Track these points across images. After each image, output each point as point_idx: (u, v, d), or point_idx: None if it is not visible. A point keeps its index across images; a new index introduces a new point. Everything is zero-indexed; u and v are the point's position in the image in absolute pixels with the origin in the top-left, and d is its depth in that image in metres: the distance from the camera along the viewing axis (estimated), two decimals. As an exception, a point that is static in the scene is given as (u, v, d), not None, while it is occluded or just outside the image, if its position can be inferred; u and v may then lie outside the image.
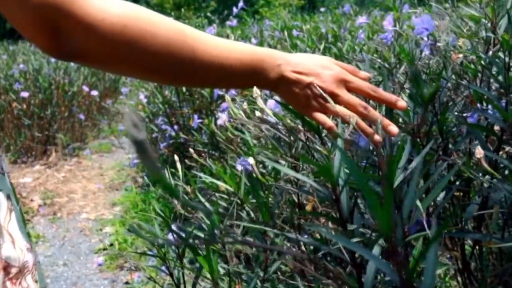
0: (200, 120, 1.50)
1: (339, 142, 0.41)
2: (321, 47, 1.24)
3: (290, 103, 0.59)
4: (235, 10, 2.33)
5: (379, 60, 1.04)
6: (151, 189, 2.71)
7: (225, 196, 1.07)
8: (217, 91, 1.44)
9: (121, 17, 0.46)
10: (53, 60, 4.39)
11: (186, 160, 1.81)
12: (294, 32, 2.16)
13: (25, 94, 3.63)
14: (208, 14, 2.53)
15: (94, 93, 4.40)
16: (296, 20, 3.10)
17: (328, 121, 0.55)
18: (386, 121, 0.55)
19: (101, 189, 3.05)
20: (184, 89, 1.75)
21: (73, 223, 2.51)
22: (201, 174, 1.00)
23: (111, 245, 2.14)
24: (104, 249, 2.16)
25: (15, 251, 0.45)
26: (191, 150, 0.98)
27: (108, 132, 4.57)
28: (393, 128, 0.55)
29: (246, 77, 0.55)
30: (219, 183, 0.89)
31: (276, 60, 0.56)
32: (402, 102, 0.58)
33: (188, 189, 1.19)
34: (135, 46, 0.47)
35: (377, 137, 0.53)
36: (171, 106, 1.82)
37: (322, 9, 4.31)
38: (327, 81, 0.55)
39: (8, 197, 0.47)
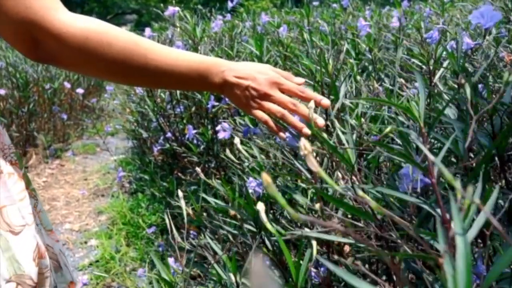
0: (195, 131, 1.34)
1: (458, 228, 0.25)
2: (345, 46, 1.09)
3: (233, 102, 0.70)
4: (230, 4, 2.14)
5: (415, 61, 0.90)
6: (139, 196, 2.53)
7: (235, 222, 0.91)
8: (212, 102, 1.27)
9: (84, 30, 0.58)
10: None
11: (180, 174, 1.64)
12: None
13: (1, 92, 3.39)
14: (200, 7, 2.34)
15: (80, 91, 4.16)
16: (291, 14, 2.93)
17: (265, 116, 0.67)
18: (314, 115, 0.65)
19: (85, 195, 2.86)
20: (178, 93, 1.57)
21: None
22: (211, 199, 0.84)
23: (97, 261, 1.97)
24: (90, 265, 1.99)
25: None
26: (197, 169, 0.83)
27: (92, 132, 4.34)
28: (320, 121, 0.65)
29: (195, 81, 0.66)
30: (233, 210, 0.73)
31: (220, 67, 0.66)
32: (325, 100, 0.68)
33: (189, 211, 1.03)
34: (95, 53, 0.59)
35: (306, 130, 0.65)
36: (164, 110, 1.64)
37: (316, 3, 4.15)
38: (262, 84, 0.66)
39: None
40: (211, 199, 0.81)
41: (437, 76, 0.93)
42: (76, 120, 4.35)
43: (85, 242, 2.20)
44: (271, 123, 0.67)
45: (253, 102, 0.66)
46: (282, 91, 0.67)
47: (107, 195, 2.83)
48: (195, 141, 1.54)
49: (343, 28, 2.20)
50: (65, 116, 4.00)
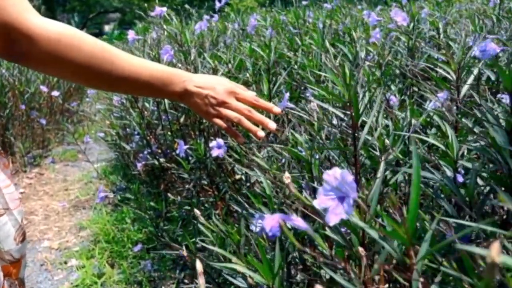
0: (186, 146, 1.19)
1: None
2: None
3: (194, 110, 0.76)
4: (217, 4, 2.00)
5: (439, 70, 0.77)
6: (124, 209, 2.37)
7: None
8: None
9: (55, 33, 0.63)
10: (5, 61, 3.91)
11: (169, 194, 1.49)
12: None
13: (-26, 98, 3.18)
14: (187, 6, 2.19)
15: (55, 93, 3.94)
16: (284, 14, 2.80)
17: (224, 124, 0.74)
18: (267, 120, 0.74)
19: (65, 208, 2.68)
20: (166, 102, 1.42)
21: (33, 254, 2.14)
22: (212, 247, 0.70)
23: (77, 285, 1.80)
24: (70, 289, 1.82)
25: None
26: (197, 212, 0.69)
27: (72, 141, 4.14)
28: (271, 125, 0.74)
29: (157, 88, 0.72)
30: (243, 270, 0.59)
31: (182, 77, 0.73)
32: (276, 108, 0.76)
33: (184, 252, 0.89)
34: (65, 55, 0.64)
35: (260, 133, 0.74)
36: (149, 122, 1.49)
37: (304, 2, 4.03)
38: (220, 93, 0.73)
39: None
40: (214, 247, 0.67)
41: (463, 90, 0.81)
42: (56, 125, 4.14)
43: (65, 262, 2.03)
44: (229, 129, 0.74)
45: (212, 109, 0.73)
46: (238, 100, 0.74)
47: (89, 207, 2.66)
48: (183, 155, 1.39)
49: (340, 29, 2.08)
50: (44, 121, 3.79)
